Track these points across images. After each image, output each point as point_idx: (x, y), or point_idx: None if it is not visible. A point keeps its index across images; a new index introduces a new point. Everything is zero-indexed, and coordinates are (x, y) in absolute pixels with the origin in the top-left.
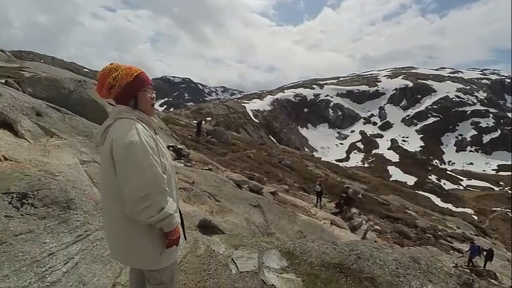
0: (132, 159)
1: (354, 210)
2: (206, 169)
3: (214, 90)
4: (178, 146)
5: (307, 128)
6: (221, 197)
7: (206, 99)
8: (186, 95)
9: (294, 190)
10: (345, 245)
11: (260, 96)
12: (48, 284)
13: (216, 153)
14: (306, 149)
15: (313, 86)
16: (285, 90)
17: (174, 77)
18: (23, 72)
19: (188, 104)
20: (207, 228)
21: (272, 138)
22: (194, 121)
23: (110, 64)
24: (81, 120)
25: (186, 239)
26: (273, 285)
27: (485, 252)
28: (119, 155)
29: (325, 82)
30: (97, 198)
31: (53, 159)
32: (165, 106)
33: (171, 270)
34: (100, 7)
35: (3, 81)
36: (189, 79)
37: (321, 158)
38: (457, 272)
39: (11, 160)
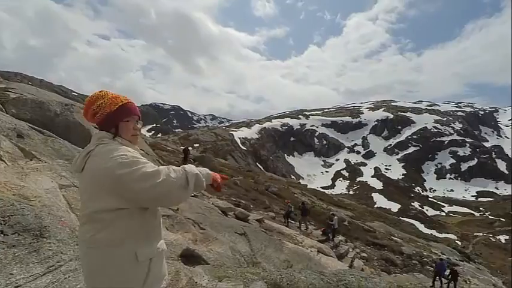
0: (128, 176)
1: (340, 237)
2: (191, 196)
3: (203, 117)
4: None
5: (293, 156)
6: (206, 225)
7: (195, 126)
8: (175, 121)
9: (281, 217)
10: (332, 274)
11: (248, 124)
12: None
13: None
14: (293, 177)
15: (300, 116)
16: (273, 120)
17: (163, 103)
18: (8, 93)
19: (176, 130)
20: (190, 258)
21: (259, 166)
22: (181, 147)
23: (100, 91)
24: (63, 143)
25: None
26: None
27: (448, 271)
28: (109, 178)
29: (310, 113)
30: (73, 225)
31: (30, 182)
32: (152, 132)
33: None
34: (95, 35)
35: None
36: (179, 106)
37: (307, 185)
38: None
39: None
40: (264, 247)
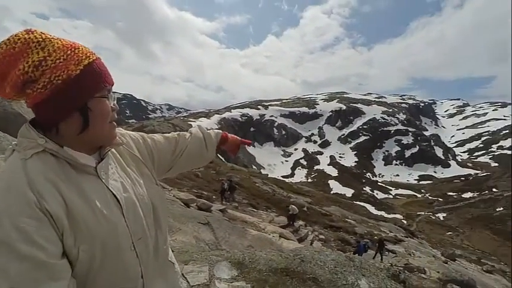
0: None
1: (300, 222)
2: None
3: (158, 107)
4: None
5: (254, 146)
6: (169, 216)
7: (150, 116)
8: (128, 111)
9: (243, 207)
10: (290, 251)
11: (207, 115)
12: None
13: None
14: (254, 167)
15: (259, 106)
16: (232, 110)
17: (113, 92)
18: None
19: (130, 121)
20: None
21: (220, 157)
22: None
23: (31, 32)
24: (5, 136)
25: None
26: None
27: (371, 244)
28: None
29: (269, 103)
30: None
31: None
32: None
33: None
34: (32, 13)
35: None
36: (131, 95)
37: (268, 175)
38: (386, 267)
39: None
40: (228, 235)
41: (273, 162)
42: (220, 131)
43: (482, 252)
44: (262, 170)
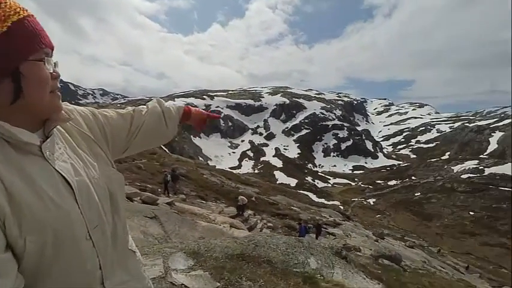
0: None
1: (249, 211)
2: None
3: (91, 92)
4: None
5: (200, 137)
6: None
7: (80, 102)
8: None
9: (192, 199)
10: (243, 238)
11: (148, 103)
12: None
13: None
14: (201, 158)
15: (204, 96)
16: (176, 99)
17: None
18: None
19: None
20: None
21: (164, 148)
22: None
23: None
24: None
25: None
26: (182, 284)
27: (315, 227)
28: None
29: (215, 94)
30: None
31: None
32: None
33: None
34: None
35: None
36: None
37: (215, 166)
38: (330, 245)
39: None
40: (177, 228)
41: (220, 154)
42: (183, 104)
43: (405, 230)
44: (209, 162)
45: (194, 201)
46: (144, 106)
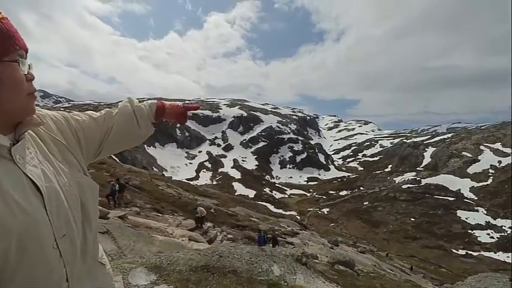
0: None
1: (208, 224)
2: None
3: None
4: None
5: (154, 147)
6: None
7: None
8: None
9: (147, 211)
10: (207, 249)
11: (96, 108)
12: None
13: None
14: (155, 169)
15: None
16: None
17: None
18: None
19: None
20: None
21: (114, 157)
22: None
23: None
24: None
25: None
26: None
27: (271, 239)
28: None
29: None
30: None
31: None
32: None
33: None
34: None
35: None
36: None
37: (171, 177)
38: (291, 253)
39: None
40: (132, 243)
41: (176, 165)
42: (155, 100)
43: (356, 237)
44: (164, 173)
45: (149, 214)
46: (116, 108)
